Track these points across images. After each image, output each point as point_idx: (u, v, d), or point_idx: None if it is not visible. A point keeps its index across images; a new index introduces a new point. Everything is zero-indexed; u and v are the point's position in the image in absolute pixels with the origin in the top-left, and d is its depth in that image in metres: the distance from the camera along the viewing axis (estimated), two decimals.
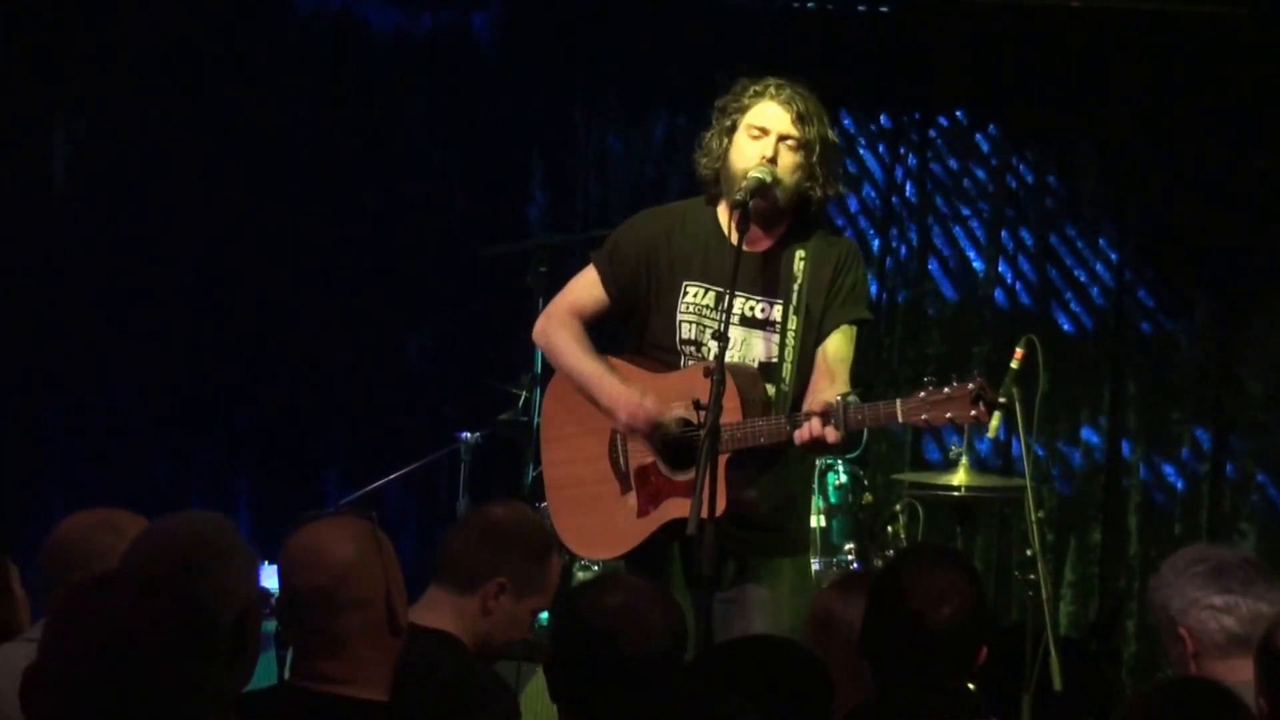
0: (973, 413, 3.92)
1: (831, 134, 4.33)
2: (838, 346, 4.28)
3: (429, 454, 6.40)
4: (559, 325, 4.41)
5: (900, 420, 3.96)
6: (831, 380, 4.20)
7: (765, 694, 2.78)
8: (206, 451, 7.62)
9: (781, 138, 4.26)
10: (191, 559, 2.85)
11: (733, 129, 4.31)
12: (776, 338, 4.28)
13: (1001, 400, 4.51)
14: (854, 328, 4.31)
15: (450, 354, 7.55)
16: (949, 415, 3.92)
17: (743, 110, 4.30)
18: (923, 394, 3.95)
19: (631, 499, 4.33)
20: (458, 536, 3.51)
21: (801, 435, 4.02)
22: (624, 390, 4.27)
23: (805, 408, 4.12)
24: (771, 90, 4.29)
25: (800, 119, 4.26)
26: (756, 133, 4.27)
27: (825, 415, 3.98)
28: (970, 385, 3.92)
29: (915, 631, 3.06)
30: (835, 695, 2.91)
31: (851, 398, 4.01)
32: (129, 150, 7.50)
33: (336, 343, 7.57)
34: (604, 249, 4.46)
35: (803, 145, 4.26)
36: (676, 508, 4.24)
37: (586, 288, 4.43)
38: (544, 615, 5.95)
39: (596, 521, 4.38)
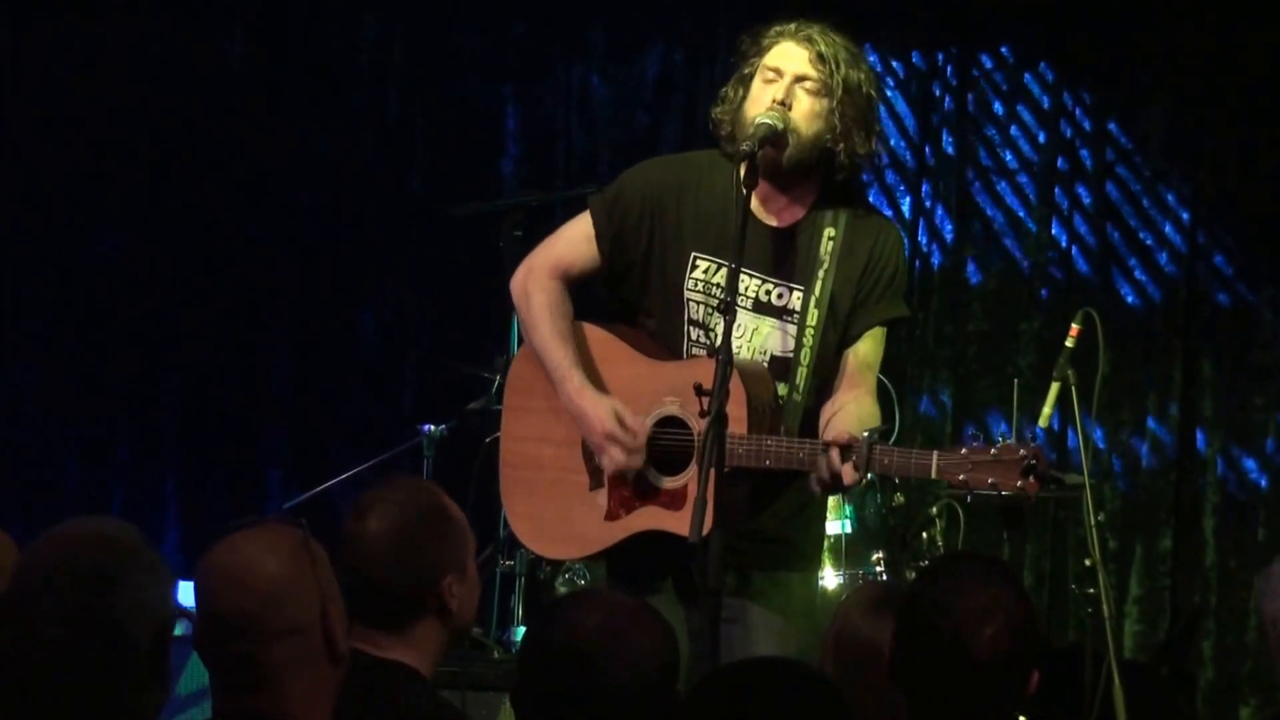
0: (1019, 484, 3.92)
1: (863, 78, 4.29)
2: (866, 351, 4.28)
3: (387, 450, 6.43)
4: (537, 287, 4.39)
5: (933, 476, 3.98)
6: (854, 388, 4.21)
7: None
8: (128, 448, 7.61)
9: (798, 79, 4.23)
10: (104, 569, 2.82)
11: (750, 76, 4.31)
12: (793, 329, 4.26)
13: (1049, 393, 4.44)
14: (885, 329, 4.33)
15: (410, 333, 7.57)
16: (991, 481, 3.93)
17: (761, 53, 4.30)
18: (965, 450, 3.96)
19: (600, 498, 4.30)
20: (375, 565, 3.40)
21: (818, 471, 4.02)
22: (595, 403, 4.24)
23: (821, 425, 4.13)
24: (791, 29, 4.29)
25: (821, 59, 4.24)
26: (771, 75, 4.26)
27: (847, 449, 3.98)
28: (1021, 451, 3.93)
29: (954, 656, 3.06)
30: None
31: (877, 436, 4.02)
32: (32, 95, 7.45)
33: (278, 320, 7.60)
34: (605, 194, 4.42)
35: (823, 89, 4.23)
36: (651, 518, 4.21)
37: (577, 241, 4.40)
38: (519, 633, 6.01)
39: (552, 514, 4.34)
